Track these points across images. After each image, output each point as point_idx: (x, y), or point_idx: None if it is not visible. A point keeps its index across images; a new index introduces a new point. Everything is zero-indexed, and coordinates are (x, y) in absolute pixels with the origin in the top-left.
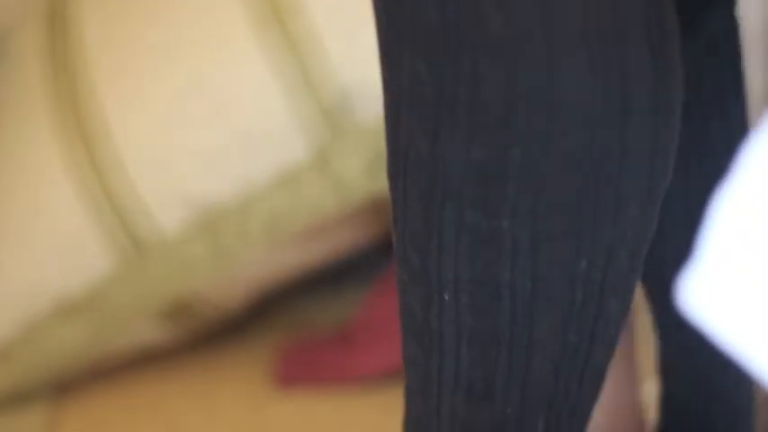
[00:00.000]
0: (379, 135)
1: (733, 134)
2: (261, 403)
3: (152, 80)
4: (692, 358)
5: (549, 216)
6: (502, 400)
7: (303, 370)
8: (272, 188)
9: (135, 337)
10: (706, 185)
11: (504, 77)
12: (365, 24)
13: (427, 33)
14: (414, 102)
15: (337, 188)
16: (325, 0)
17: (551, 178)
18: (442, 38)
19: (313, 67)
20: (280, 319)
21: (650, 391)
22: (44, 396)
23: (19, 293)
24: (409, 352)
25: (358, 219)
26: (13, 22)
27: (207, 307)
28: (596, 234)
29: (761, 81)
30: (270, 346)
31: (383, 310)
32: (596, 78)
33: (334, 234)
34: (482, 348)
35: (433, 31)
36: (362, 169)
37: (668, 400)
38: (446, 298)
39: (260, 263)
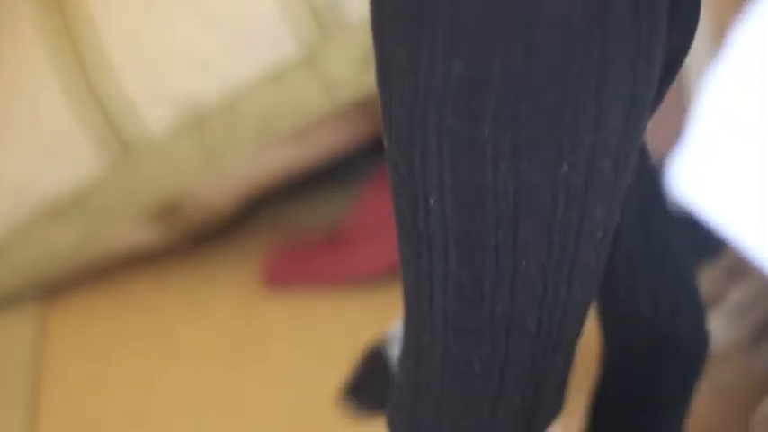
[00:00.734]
0: (368, 34)
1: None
2: (252, 305)
3: None
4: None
5: (529, 121)
6: (491, 301)
7: (294, 271)
8: (261, 87)
9: (125, 239)
10: None
11: None
12: None
13: None
14: (395, 15)
15: (326, 86)
16: None
17: (532, 89)
18: None
19: None
20: (270, 223)
21: None
22: (34, 299)
23: (6, 194)
24: (403, 251)
25: (347, 119)
26: None
27: (197, 208)
28: (576, 140)
29: None
30: (260, 249)
31: (377, 209)
32: None
33: (324, 135)
34: (469, 251)
35: None
36: (352, 67)
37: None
38: (431, 202)
39: (250, 164)
